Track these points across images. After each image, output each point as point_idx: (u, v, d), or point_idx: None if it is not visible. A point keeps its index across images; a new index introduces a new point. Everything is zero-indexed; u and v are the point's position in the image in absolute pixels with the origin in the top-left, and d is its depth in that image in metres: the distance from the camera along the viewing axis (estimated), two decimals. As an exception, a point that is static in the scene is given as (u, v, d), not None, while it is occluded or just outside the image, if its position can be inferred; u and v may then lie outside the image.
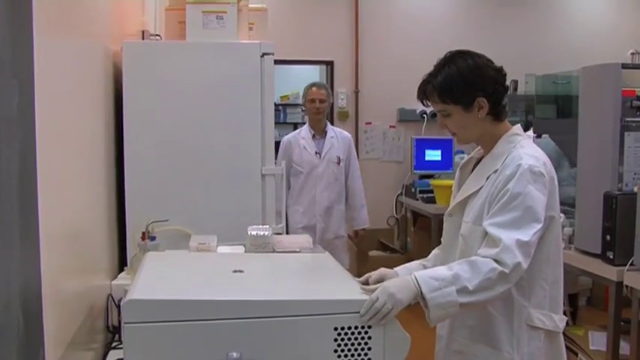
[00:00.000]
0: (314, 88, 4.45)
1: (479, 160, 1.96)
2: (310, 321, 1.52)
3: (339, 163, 4.44)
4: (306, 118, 7.45)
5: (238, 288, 1.64)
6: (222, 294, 1.55)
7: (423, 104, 1.94)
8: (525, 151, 1.82)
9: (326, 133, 4.47)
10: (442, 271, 1.72)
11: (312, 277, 1.94)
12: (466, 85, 1.82)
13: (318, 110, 4.41)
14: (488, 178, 1.85)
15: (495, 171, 1.83)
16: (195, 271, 1.86)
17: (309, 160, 4.39)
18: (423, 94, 1.89)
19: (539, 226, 1.74)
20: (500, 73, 1.88)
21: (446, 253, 1.98)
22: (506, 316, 1.84)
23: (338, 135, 4.52)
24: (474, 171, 1.94)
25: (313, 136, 4.46)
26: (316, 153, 4.40)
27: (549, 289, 1.87)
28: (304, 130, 4.51)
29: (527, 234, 1.72)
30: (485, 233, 1.77)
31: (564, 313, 1.96)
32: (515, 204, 1.74)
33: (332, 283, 1.79)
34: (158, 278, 1.72)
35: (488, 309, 1.85)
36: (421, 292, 1.66)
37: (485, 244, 1.75)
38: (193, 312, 1.46)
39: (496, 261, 1.69)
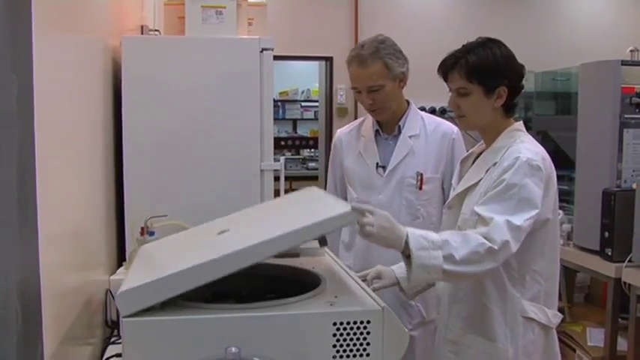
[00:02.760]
0: (354, 67, 2.40)
1: (479, 155, 1.98)
2: (309, 316, 1.52)
3: (420, 187, 2.42)
4: (307, 114, 7.38)
5: (217, 248, 1.60)
6: (199, 259, 1.53)
7: (444, 77, 1.93)
8: (525, 145, 1.84)
9: (400, 128, 2.49)
10: (433, 234, 1.73)
11: (299, 210, 1.85)
12: (497, 71, 1.86)
13: (371, 107, 2.43)
14: (487, 171, 1.87)
15: (494, 164, 1.85)
16: (182, 247, 1.85)
17: (363, 177, 2.49)
18: (451, 67, 1.90)
19: (534, 212, 1.75)
20: (523, 70, 1.93)
21: None
22: (501, 308, 1.85)
23: (429, 130, 2.50)
24: (474, 164, 1.97)
25: (377, 134, 2.53)
26: (378, 166, 2.46)
27: (544, 283, 1.88)
28: (367, 123, 2.57)
29: (520, 218, 1.73)
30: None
31: (562, 310, 1.98)
32: (511, 194, 1.76)
33: (316, 210, 1.72)
34: (147, 266, 1.72)
35: (483, 300, 1.86)
36: (408, 247, 1.67)
37: (476, 225, 1.77)
38: (177, 286, 1.46)
39: (486, 238, 1.70)
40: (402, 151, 2.45)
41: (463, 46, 1.91)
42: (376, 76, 2.37)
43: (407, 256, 1.69)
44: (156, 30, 3.22)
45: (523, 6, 6.41)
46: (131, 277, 1.58)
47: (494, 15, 6.32)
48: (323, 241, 1.88)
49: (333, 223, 1.58)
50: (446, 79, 1.94)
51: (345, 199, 2.62)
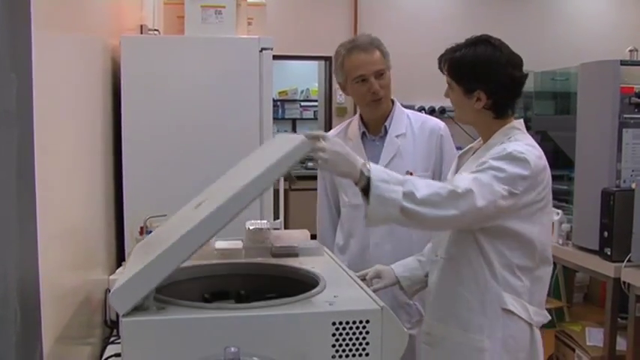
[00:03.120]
0: (357, 54, 2.37)
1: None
2: (308, 316, 1.52)
3: None
4: (307, 113, 7.37)
5: (192, 221, 1.59)
6: (175, 237, 1.53)
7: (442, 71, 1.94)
8: (518, 142, 1.81)
9: (387, 129, 2.46)
10: (396, 174, 1.70)
11: (261, 158, 1.82)
12: (472, 74, 1.83)
13: (377, 95, 2.37)
14: None
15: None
16: (165, 233, 1.85)
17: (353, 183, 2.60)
18: (441, 59, 1.91)
19: (506, 187, 1.71)
20: (513, 78, 1.85)
21: (436, 241, 1.97)
22: (478, 298, 1.82)
23: (416, 128, 2.46)
24: (468, 160, 1.95)
25: (364, 136, 2.49)
26: None
27: (528, 281, 1.83)
28: (353, 125, 2.54)
29: (489, 179, 1.71)
30: None
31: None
32: (486, 169, 1.74)
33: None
34: (135, 262, 1.71)
35: (460, 290, 1.83)
36: (364, 177, 1.63)
37: None
38: (161, 269, 1.46)
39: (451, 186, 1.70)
40: (389, 151, 2.43)
41: (466, 39, 1.90)
42: (380, 61, 2.38)
43: (364, 190, 1.64)
44: (155, 29, 3.22)
45: (522, 6, 6.41)
46: (122, 277, 1.58)
47: (494, 15, 6.32)
48: (291, 180, 1.79)
49: (291, 157, 1.55)
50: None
51: (337, 202, 2.62)
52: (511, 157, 1.75)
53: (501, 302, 1.80)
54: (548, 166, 1.85)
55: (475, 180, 1.71)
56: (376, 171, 1.65)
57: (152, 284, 1.45)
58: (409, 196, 1.64)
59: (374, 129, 2.48)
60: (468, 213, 1.69)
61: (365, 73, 2.36)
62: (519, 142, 1.81)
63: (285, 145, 1.60)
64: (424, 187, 1.68)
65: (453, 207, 1.67)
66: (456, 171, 2.00)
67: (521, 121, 1.94)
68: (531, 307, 1.84)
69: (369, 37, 2.43)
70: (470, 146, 2.05)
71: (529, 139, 1.87)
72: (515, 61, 1.85)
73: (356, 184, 1.67)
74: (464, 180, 1.72)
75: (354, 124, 2.53)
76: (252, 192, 1.52)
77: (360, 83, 2.38)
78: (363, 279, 2.10)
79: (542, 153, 1.85)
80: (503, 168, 1.73)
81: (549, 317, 1.94)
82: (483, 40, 1.87)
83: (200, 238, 1.49)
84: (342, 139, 2.44)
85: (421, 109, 6.02)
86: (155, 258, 1.47)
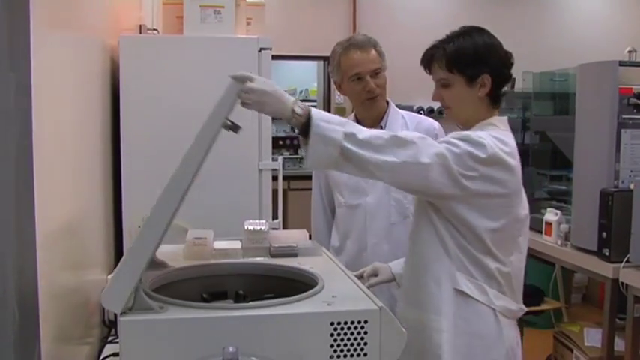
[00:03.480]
0: (354, 53, 2.39)
1: None
2: (307, 316, 1.52)
3: None
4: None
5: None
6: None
7: (426, 70, 1.90)
8: (484, 132, 1.77)
9: (382, 129, 2.43)
10: (338, 117, 1.67)
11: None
12: (477, 59, 1.81)
13: (372, 94, 2.39)
14: None
15: None
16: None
17: (349, 181, 2.44)
18: (430, 58, 1.87)
19: (455, 161, 1.66)
20: (509, 58, 1.87)
21: (412, 236, 1.94)
22: (435, 279, 1.78)
23: (411, 128, 2.46)
24: None
25: None
26: None
27: (489, 266, 1.77)
28: None
29: (441, 150, 1.67)
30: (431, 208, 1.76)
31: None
32: (441, 141, 1.72)
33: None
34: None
35: (421, 271, 1.80)
36: (297, 115, 1.60)
37: None
38: (139, 260, 1.47)
39: None
40: None
41: (446, 35, 1.87)
42: (377, 60, 2.40)
43: (303, 130, 1.60)
44: (154, 29, 3.22)
45: (522, 7, 6.41)
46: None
47: (493, 15, 6.32)
48: (234, 128, 1.75)
49: (223, 102, 1.59)
50: (429, 71, 1.90)
51: (332, 204, 2.64)
52: (468, 138, 1.71)
53: (455, 282, 1.77)
54: (518, 168, 1.79)
55: (423, 139, 1.68)
56: (316, 111, 1.62)
57: (135, 277, 1.45)
58: (350, 136, 1.60)
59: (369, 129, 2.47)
60: (410, 165, 1.64)
61: (361, 71, 2.38)
62: (484, 132, 1.77)
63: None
64: (367, 131, 1.64)
65: (392, 154, 1.62)
66: None
67: (504, 118, 1.90)
68: (492, 290, 1.78)
69: (366, 37, 2.45)
70: None
71: (503, 135, 1.80)
72: (500, 42, 1.88)
73: (289, 122, 1.64)
74: (412, 135, 1.69)
75: None
76: (200, 149, 1.55)
77: (356, 81, 2.40)
78: (361, 277, 2.10)
79: (514, 152, 1.78)
80: (457, 144, 1.69)
81: (523, 308, 1.87)
82: (473, 29, 1.86)
83: (163, 217, 1.50)
84: None
85: (420, 110, 6.02)
86: (128, 252, 1.48)
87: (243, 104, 1.61)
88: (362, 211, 2.46)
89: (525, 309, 1.88)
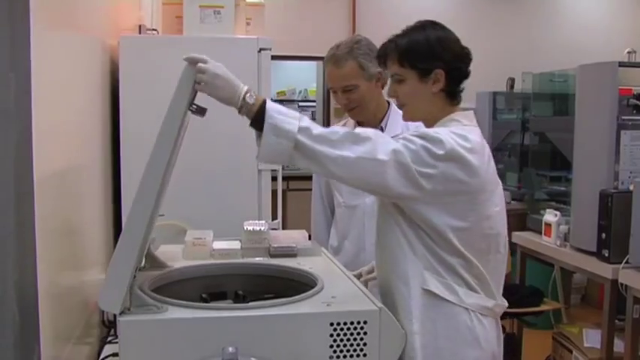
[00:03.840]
0: (329, 67, 2.43)
1: None
2: (306, 316, 1.52)
3: None
4: (305, 114, 7.43)
5: None
6: None
7: (382, 65, 1.87)
8: (442, 129, 1.72)
9: (383, 130, 2.43)
10: (293, 110, 1.64)
11: None
12: (429, 53, 1.75)
13: (347, 107, 2.44)
14: None
15: None
16: None
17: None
18: (385, 52, 1.82)
19: (412, 157, 1.61)
20: (466, 54, 1.81)
21: (378, 238, 1.88)
22: (403, 280, 1.71)
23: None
24: None
25: None
26: None
27: (461, 269, 1.71)
28: (348, 125, 2.52)
29: (398, 146, 1.62)
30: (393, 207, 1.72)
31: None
32: (398, 138, 1.67)
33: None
34: None
35: (389, 272, 1.73)
36: (247, 104, 1.59)
37: None
38: (128, 259, 1.47)
39: None
40: None
41: (402, 30, 1.82)
42: (350, 76, 2.35)
43: (255, 120, 1.58)
44: (154, 29, 3.22)
45: (521, 8, 6.41)
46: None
47: (493, 16, 6.33)
48: (200, 111, 1.72)
49: (181, 87, 1.61)
50: (385, 67, 1.85)
51: (332, 204, 2.63)
52: (425, 135, 1.66)
53: (423, 283, 1.70)
54: (482, 164, 1.71)
55: (380, 136, 1.65)
56: (271, 103, 1.60)
57: (126, 277, 1.45)
58: (305, 130, 1.56)
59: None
60: (365, 161, 1.59)
61: (332, 87, 2.42)
62: (444, 128, 1.72)
63: None
64: (322, 127, 1.62)
65: (348, 149, 1.58)
66: None
67: (469, 112, 1.84)
68: (461, 288, 1.72)
69: (350, 46, 2.37)
70: None
71: (465, 130, 1.73)
72: (457, 37, 1.82)
73: (239, 111, 1.62)
74: (369, 131, 1.66)
75: (349, 124, 2.51)
76: (167, 137, 1.54)
77: (334, 94, 2.44)
78: (359, 276, 2.10)
79: (477, 147, 1.69)
80: (413, 140, 1.65)
81: (501, 303, 1.79)
82: (428, 23, 1.82)
83: (144, 212, 1.50)
84: None
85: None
86: (115, 252, 1.49)
87: (197, 85, 1.60)
88: (360, 211, 2.46)
89: (506, 304, 1.81)
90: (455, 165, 1.64)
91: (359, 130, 1.67)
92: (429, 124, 1.81)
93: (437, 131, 1.69)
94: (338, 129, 1.65)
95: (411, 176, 1.62)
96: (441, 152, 1.62)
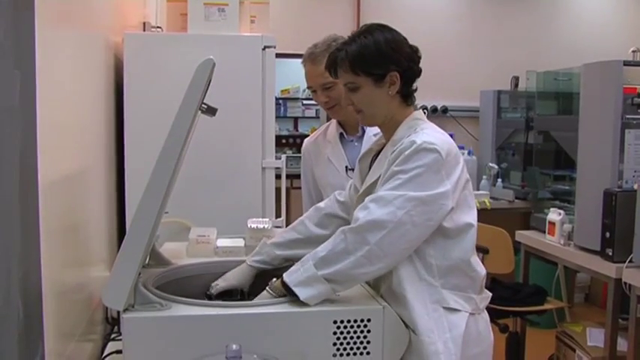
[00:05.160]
0: (307, 65, 2.39)
1: (378, 153, 1.85)
2: (310, 314, 1.52)
3: None
4: (309, 112, 7.36)
5: None
6: None
7: (331, 75, 1.83)
8: (425, 132, 1.70)
9: (364, 129, 2.41)
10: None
11: None
12: (381, 57, 1.73)
13: (327, 105, 2.36)
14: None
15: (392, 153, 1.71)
16: None
17: (334, 182, 2.37)
18: (334, 62, 1.79)
19: (416, 194, 1.60)
20: (415, 52, 1.79)
21: None
22: (419, 298, 1.67)
23: None
24: (375, 162, 1.83)
25: (342, 137, 2.45)
26: (347, 169, 2.38)
27: (473, 274, 1.72)
28: (331, 127, 2.50)
29: (394, 192, 1.60)
30: None
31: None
32: (399, 177, 1.63)
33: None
34: None
35: (400, 291, 1.68)
36: (283, 281, 1.59)
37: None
38: (134, 256, 1.47)
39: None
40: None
41: (348, 36, 1.79)
42: (328, 74, 2.34)
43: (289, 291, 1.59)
44: (158, 27, 3.22)
45: (525, 6, 6.39)
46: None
47: (497, 14, 6.31)
48: (210, 111, 1.74)
49: (194, 84, 1.61)
50: (336, 76, 1.82)
51: (320, 200, 2.59)
52: (422, 151, 1.64)
53: (443, 301, 1.69)
54: (460, 155, 1.73)
55: (378, 198, 1.61)
56: (288, 272, 1.61)
57: (132, 274, 1.46)
58: (320, 262, 1.57)
59: (351, 130, 2.44)
60: (387, 238, 1.57)
61: (311, 85, 2.37)
62: (426, 132, 1.70)
63: None
64: (327, 244, 1.60)
65: (363, 243, 1.56)
66: (361, 177, 1.89)
67: (421, 111, 1.84)
68: (477, 295, 1.73)
69: (327, 44, 2.33)
70: (369, 148, 1.94)
71: (435, 129, 1.75)
72: (404, 36, 1.80)
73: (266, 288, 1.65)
74: (364, 208, 1.62)
75: (332, 126, 2.50)
76: (180, 130, 1.54)
77: (313, 93, 2.38)
78: None
79: (453, 143, 1.72)
80: (418, 173, 1.63)
81: (476, 296, 1.76)
82: (374, 27, 1.78)
83: (151, 209, 1.50)
84: (320, 141, 2.49)
85: (424, 109, 6.01)
86: (122, 249, 1.48)
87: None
88: None
89: (489, 294, 1.80)
90: (451, 174, 1.66)
91: (356, 212, 1.62)
92: (389, 127, 1.80)
93: (430, 141, 1.65)
94: (337, 237, 1.60)
95: (426, 225, 1.62)
96: (439, 165, 1.63)
